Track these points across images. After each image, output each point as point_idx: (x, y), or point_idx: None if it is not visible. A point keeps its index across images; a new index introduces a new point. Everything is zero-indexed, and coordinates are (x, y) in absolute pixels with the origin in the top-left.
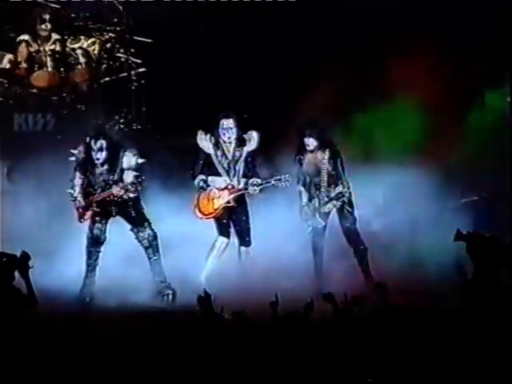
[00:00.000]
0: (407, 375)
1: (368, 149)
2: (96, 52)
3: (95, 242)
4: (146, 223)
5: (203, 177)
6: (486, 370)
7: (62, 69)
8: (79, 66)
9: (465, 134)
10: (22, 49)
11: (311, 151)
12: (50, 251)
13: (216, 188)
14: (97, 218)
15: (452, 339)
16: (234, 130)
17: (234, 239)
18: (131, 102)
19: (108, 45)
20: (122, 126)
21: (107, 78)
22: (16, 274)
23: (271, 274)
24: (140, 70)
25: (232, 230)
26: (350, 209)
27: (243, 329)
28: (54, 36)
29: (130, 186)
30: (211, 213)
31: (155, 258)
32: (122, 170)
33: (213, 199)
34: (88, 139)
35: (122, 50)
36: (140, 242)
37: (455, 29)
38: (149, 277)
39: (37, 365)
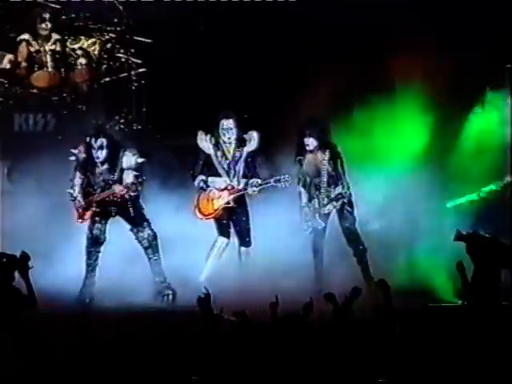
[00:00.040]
0: (407, 375)
1: (368, 149)
2: (96, 52)
3: (95, 242)
4: (146, 223)
5: (203, 177)
6: (486, 370)
7: (62, 69)
8: (79, 66)
9: (465, 134)
10: (22, 48)
11: (311, 151)
12: (49, 251)
13: (216, 188)
14: (96, 218)
15: (452, 339)
16: (234, 130)
17: (234, 240)
18: (131, 102)
19: (108, 45)
20: (122, 126)
21: (107, 78)
22: (16, 274)
23: (271, 275)
24: (140, 70)
25: (232, 230)
26: (349, 209)
27: (243, 329)
28: (55, 36)
29: (131, 186)
30: (211, 213)
31: (155, 258)
32: (122, 170)
33: (213, 200)
34: (88, 138)
35: (122, 50)
36: (140, 242)
37: (455, 29)
38: (149, 277)
39: (37, 365)
